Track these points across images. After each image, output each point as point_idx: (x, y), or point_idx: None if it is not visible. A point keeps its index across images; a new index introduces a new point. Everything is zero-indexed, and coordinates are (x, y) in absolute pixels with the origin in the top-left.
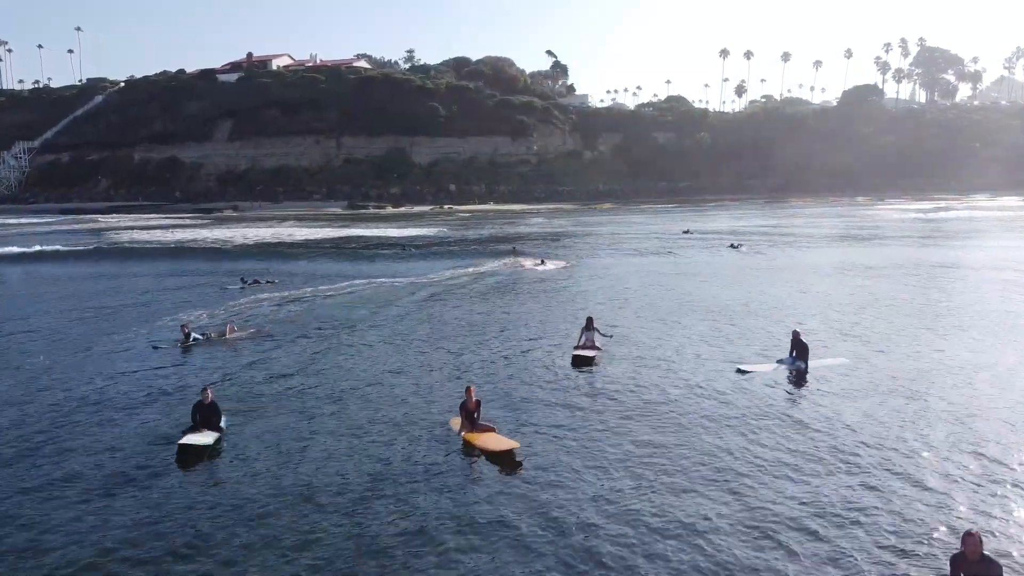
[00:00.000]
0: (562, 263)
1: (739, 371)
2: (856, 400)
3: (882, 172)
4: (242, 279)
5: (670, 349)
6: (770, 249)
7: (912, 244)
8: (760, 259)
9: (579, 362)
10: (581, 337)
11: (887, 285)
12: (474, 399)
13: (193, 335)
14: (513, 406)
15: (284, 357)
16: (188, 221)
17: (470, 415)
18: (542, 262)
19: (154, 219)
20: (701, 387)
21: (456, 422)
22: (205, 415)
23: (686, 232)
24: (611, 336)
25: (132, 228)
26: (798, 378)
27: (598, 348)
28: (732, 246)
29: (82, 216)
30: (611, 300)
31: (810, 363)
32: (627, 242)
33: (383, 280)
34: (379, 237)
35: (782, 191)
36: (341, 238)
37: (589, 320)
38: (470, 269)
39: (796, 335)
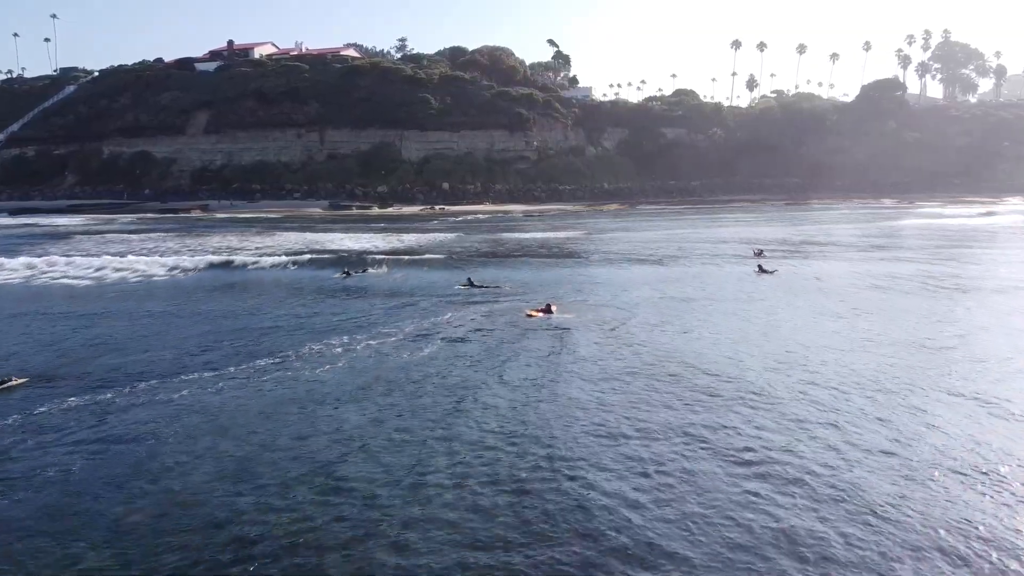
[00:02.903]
0: (585, 314)
1: None
2: None
3: (906, 172)
4: None
5: None
6: (874, 268)
7: None
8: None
9: None
10: None
11: None
12: None
13: None
14: None
15: None
16: (141, 225)
17: None
18: (548, 308)
19: (106, 222)
20: None
21: None
22: None
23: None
24: None
25: (71, 234)
26: None
27: None
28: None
29: (31, 217)
30: (714, 450)
31: None
32: (660, 260)
33: (275, 362)
34: (349, 250)
35: (801, 191)
36: (303, 252)
37: None
38: (442, 318)
39: None
